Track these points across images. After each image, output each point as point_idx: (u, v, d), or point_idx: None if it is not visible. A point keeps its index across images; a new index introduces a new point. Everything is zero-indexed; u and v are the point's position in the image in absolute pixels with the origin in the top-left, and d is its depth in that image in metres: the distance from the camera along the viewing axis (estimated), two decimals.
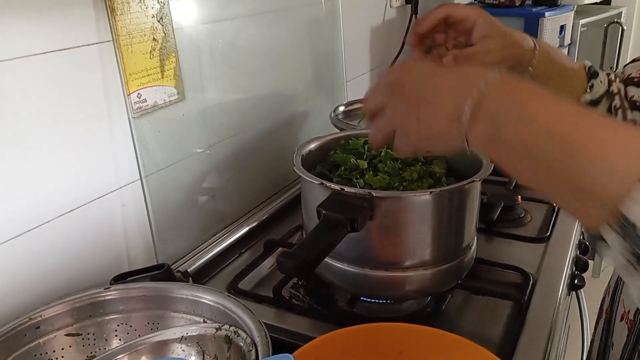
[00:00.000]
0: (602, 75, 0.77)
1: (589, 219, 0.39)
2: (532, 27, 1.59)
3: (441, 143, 0.48)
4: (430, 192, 0.73)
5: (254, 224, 1.08)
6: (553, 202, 0.46)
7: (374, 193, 0.73)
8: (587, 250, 1.15)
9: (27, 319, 0.68)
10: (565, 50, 1.71)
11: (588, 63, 0.78)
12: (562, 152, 0.40)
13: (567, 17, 1.68)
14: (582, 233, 1.18)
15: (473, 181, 0.76)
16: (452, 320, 0.82)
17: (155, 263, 0.89)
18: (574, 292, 1.12)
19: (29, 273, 0.75)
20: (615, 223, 0.36)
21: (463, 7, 0.70)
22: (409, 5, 1.75)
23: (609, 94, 0.76)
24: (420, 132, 0.49)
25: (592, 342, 0.85)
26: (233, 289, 0.89)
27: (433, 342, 0.68)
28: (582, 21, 1.75)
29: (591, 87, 0.75)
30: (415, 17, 1.75)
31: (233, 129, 1.07)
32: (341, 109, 1.28)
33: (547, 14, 1.59)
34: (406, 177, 0.81)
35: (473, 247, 0.85)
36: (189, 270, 0.91)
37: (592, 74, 0.76)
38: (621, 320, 0.74)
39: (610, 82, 0.77)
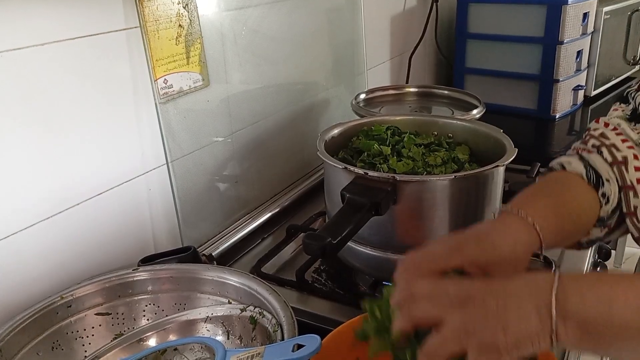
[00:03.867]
0: (602, 167, 0.66)
1: None
2: (555, 15, 1.57)
3: (530, 346, 0.45)
4: (455, 176, 0.74)
5: (276, 210, 1.09)
6: None
7: (398, 177, 0.73)
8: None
9: (59, 298, 0.70)
10: (588, 39, 1.69)
11: (580, 171, 0.65)
12: None
13: (590, 5, 1.65)
14: None
15: (497, 166, 0.76)
16: None
17: (180, 246, 0.90)
18: None
19: (60, 254, 0.77)
20: None
21: (486, 251, 0.54)
22: None
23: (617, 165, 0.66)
24: (508, 341, 0.44)
25: None
26: (256, 273, 0.90)
27: None
28: (606, 9, 1.73)
29: (603, 195, 0.64)
30: (436, 5, 1.74)
31: (255, 116, 1.08)
32: (362, 96, 1.28)
33: (570, 1, 1.56)
34: (430, 162, 0.81)
35: None
36: (213, 254, 0.93)
37: (595, 183, 0.65)
38: None
39: (613, 161, 0.66)
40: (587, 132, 0.72)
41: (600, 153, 0.67)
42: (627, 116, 0.70)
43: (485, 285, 0.48)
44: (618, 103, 0.73)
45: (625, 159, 0.65)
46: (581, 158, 0.68)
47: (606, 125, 0.70)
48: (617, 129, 0.68)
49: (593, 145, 0.68)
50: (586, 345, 0.45)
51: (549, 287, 0.45)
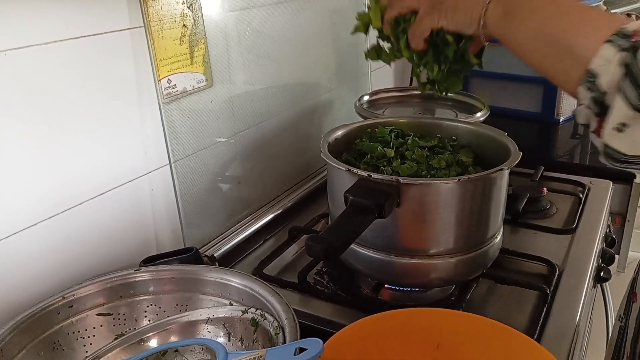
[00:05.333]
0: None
1: (570, 82, 0.51)
2: None
3: (462, 16, 0.60)
4: (458, 180, 0.73)
5: (279, 211, 1.09)
6: (543, 73, 0.56)
7: (402, 180, 0.73)
8: (613, 243, 1.14)
9: (60, 298, 0.70)
10: None
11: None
12: (559, 24, 0.52)
13: None
14: (609, 226, 1.16)
15: (501, 169, 0.76)
16: (477, 309, 0.82)
17: (183, 247, 0.90)
18: (599, 286, 1.11)
19: (62, 254, 0.77)
20: (585, 79, 0.48)
21: None
22: None
23: None
24: (449, 4, 0.61)
25: (624, 327, 0.84)
26: (258, 274, 0.90)
27: (470, 328, 0.68)
28: (611, 12, 1.72)
29: None
30: None
31: (258, 117, 1.08)
32: (366, 98, 1.28)
33: None
34: (434, 165, 0.81)
35: (499, 237, 0.85)
36: (215, 255, 0.92)
37: None
38: None
39: None
40: None
41: None
42: None
43: None
44: None
45: None
46: None
47: None
48: None
49: None
50: (506, 21, 0.57)
51: None
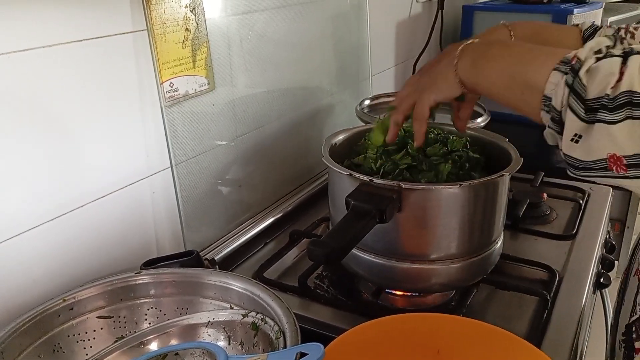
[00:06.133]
0: (604, 32, 0.80)
1: (533, 109, 0.59)
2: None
3: (443, 83, 0.70)
4: (460, 185, 0.74)
5: (279, 215, 1.09)
6: (512, 107, 0.65)
7: (403, 185, 0.73)
8: (613, 249, 1.14)
9: (61, 300, 0.69)
10: None
11: (586, 25, 0.82)
12: (514, 65, 0.61)
13: (595, 15, 1.66)
14: (608, 232, 1.17)
15: (502, 175, 0.76)
16: (477, 314, 0.82)
17: (183, 250, 0.90)
18: (598, 292, 1.11)
19: (63, 256, 0.77)
20: (543, 103, 0.56)
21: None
22: (435, 0, 1.74)
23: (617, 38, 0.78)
24: (429, 81, 0.73)
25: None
26: (258, 278, 0.90)
27: (470, 333, 0.68)
28: (611, 19, 1.73)
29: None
30: (442, 12, 1.74)
31: (260, 121, 1.08)
32: (367, 102, 1.28)
33: (575, 10, 1.57)
34: (429, 153, 0.83)
35: (500, 242, 0.85)
36: (215, 258, 0.92)
37: (586, 39, 0.81)
38: (634, 275, 0.77)
39: (618, 33, 0.80)
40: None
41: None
42: None
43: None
44: None
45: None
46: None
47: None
48: None
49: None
50: (475, 70, 0.67)
51: (456, 50, 0.69)
